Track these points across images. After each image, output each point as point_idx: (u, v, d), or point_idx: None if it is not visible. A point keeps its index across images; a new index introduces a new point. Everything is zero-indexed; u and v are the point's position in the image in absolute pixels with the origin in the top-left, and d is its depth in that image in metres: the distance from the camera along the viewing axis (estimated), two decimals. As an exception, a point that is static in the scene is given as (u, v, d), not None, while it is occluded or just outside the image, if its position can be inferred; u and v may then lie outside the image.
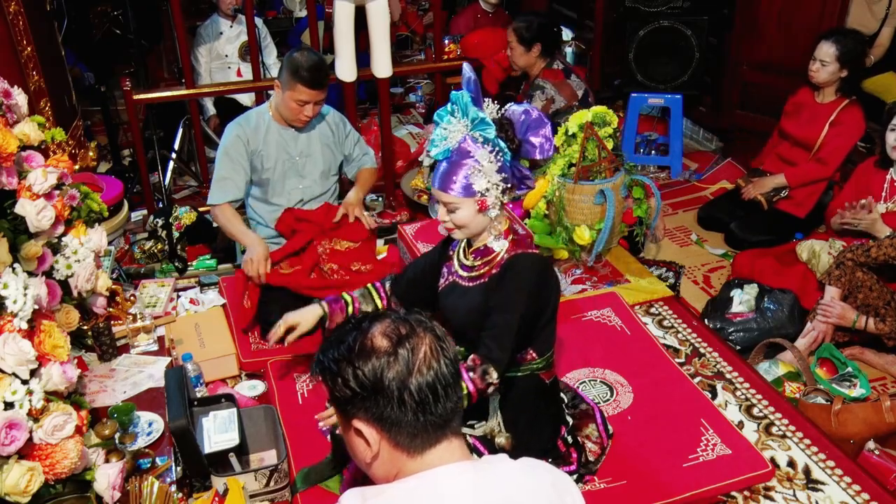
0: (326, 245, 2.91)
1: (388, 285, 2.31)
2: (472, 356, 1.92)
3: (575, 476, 2.13)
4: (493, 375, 1.88)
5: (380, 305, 2.27)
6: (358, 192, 3.09)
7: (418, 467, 1.12)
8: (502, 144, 1.89)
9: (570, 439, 2.17)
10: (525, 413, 2.06)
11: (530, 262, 1.97)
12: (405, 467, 1.12)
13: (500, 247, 2.00)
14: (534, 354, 2.06)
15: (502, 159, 1.88)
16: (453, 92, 1.91)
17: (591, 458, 2.19)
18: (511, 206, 3.30)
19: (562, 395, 2.29)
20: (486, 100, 1.94)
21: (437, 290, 2.16)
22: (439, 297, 2.15)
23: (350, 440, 1.17)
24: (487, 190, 1.89)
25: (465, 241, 2.09)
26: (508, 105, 1.99)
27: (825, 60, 3.38)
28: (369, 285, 2.32)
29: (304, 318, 2.22)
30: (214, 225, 3.69)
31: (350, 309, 2.25)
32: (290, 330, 2.22)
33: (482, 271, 2.02)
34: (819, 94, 3.53)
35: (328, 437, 2.19)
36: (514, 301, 1.93)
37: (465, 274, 2.06)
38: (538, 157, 1.96)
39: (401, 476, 1.13)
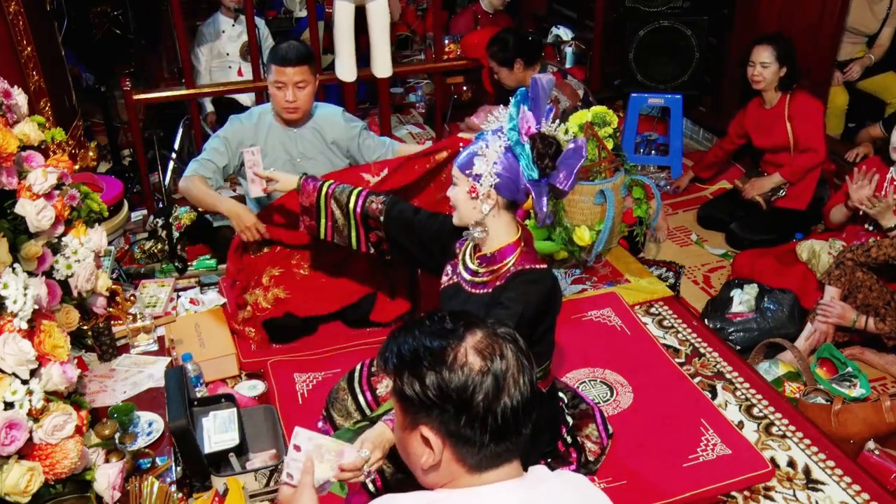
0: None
1: (382, 200, 2.30)
2: None
3: (575, 476, 2.13)
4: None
5: (351, 207, 2.31)
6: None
7: (473, 482, 1.11)
8: (526, 154, 1.83)
9: (569, 439, 2.17)
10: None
11: (536, 276, 1.93)
12: (459, 480, 1.11)
13: (509, 259, 1.95)
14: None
15: (508, 161, 1.85)
16: (522, 89, 1.89)
17: (591, 459, 2.19)
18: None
19: (561, 395, 2.29)
20: (551, 114, 1.91)
21: (439, 286, 2.14)
22: (441, 296, 2.13)
23: (408, 441, 1.13)
24: (480, 176, 1.86)
25: (471, 243, 2.04)
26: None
27: (766, 62, 3.51)
28: (356, 190, 2.34)
29: (286, 177, 2.48)
30: (215, 225, 3.70)
31: (323, 190, 2.35)
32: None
33: (486, 279, 1.97)
34: (764, 102, 3.65)
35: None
36: (516, 303, 1.89)
37: (468, 278, 2.02)
38: (558, 185, 1.88)
39: (451, 486, 1.11)
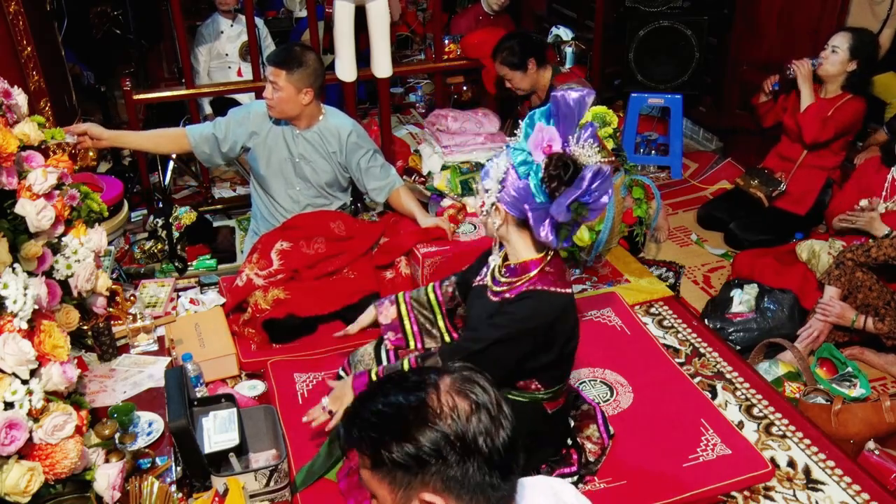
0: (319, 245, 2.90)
1: (452, 282, 2.28)
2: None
3: (575, 477, 2.13)
4: (432, 362, 1.93)
5: (432, 299, 2.27)
6: (422, 214, 3.08)
7: None
8: (536, 174, 1.77)
9: (570, 441, 2.17)
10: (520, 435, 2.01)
11: (544, 302, 1.87)
12: None
13: (528, 274, 1.90)
14: (538, 386, 2.00)
15: (517, 178, 1.78)
16: (539, 110, 1.83)
17: (592, 459, 2.19)
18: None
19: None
20: (586, 133, 1.79)
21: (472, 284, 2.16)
22: (470, 293, 2.15)
23: None
24: (486, 191, 1.87)
25: (501, 254, 2.00)
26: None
27: (837, 47, 3.37)
28: (427, 289, 2.29)
29: (363, 318, 2.33)
30: (215, 225, 3.70)
31: (400, 300, 2.26)
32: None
33: (506, 288, 1.95)
34: (823, 90, 3.51)
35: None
36: (497, 329, 1.88)
37: (493, 281, 2.01)
38: (551, 212, 1.77)
39: None
